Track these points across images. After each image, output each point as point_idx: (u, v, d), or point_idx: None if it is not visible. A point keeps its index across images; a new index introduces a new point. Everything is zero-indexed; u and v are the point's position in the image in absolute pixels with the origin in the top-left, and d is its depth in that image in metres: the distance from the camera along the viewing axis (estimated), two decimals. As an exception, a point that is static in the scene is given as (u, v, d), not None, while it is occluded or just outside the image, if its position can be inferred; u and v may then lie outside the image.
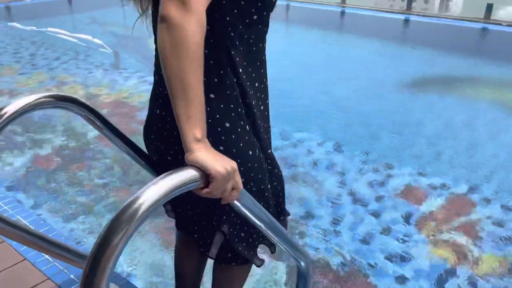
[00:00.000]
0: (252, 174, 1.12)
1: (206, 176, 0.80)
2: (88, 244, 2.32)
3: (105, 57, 5.76)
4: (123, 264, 2.17)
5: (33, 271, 1.58)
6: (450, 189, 2.91)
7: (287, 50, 6.26)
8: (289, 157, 3.33)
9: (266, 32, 1.10)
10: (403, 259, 2.29)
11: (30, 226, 1.95)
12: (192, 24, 0.80)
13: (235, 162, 0.85)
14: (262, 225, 1.03)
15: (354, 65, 5.83)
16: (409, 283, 2.14)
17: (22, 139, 3.49)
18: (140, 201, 0.71)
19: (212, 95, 1.03)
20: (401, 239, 2.44)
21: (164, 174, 0.76)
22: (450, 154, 3.42)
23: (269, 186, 1.20)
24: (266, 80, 1.20)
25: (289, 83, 4.99)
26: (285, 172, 3.04)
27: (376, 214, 2.65)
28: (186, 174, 0.78)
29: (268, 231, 1.07)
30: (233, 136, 1.08)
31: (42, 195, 2.77)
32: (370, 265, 2.24)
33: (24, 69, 5.31)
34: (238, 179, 0.87)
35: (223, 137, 1.07)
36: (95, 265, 0.66)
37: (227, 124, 1.06)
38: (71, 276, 1.57)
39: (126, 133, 1.27)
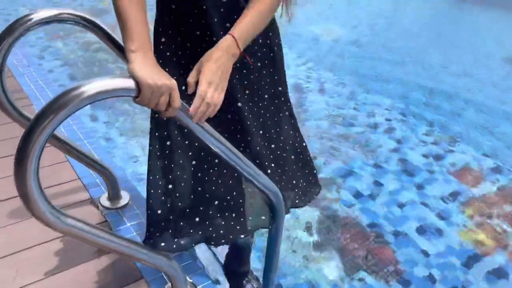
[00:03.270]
0: None
1: (138, 87, 0.88)
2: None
3: None
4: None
5: (70, 170, 1.86)
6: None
7: (382, 12, 5.90)
8: (349, 116, 3.27)
9: None
10: (433, 234, 2.20)
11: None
12: None
13: (173, 81, 0.89)
14: (219, 151, 1.07)
15: (463, 33, 5.33)
16: (431, 259, 2.06)
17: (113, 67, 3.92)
18: (81, 89, 0.82)
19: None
20: (439, 214, 2.32)
21: (109, 76, 0.87)
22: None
23: None
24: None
25: (373, 46, 4.76)
26: (341, 131, 3.04)
27: (420, 186, 2.54)
28: (124, 82, 0.88)
29: (231, 160, 1.10)
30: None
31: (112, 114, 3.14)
32: (397, 232, 2.19)
33: None
34: (175, 97, 0.90)
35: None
36: (34, 129, 0.80)
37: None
38: (97, 180, 1.84)
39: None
